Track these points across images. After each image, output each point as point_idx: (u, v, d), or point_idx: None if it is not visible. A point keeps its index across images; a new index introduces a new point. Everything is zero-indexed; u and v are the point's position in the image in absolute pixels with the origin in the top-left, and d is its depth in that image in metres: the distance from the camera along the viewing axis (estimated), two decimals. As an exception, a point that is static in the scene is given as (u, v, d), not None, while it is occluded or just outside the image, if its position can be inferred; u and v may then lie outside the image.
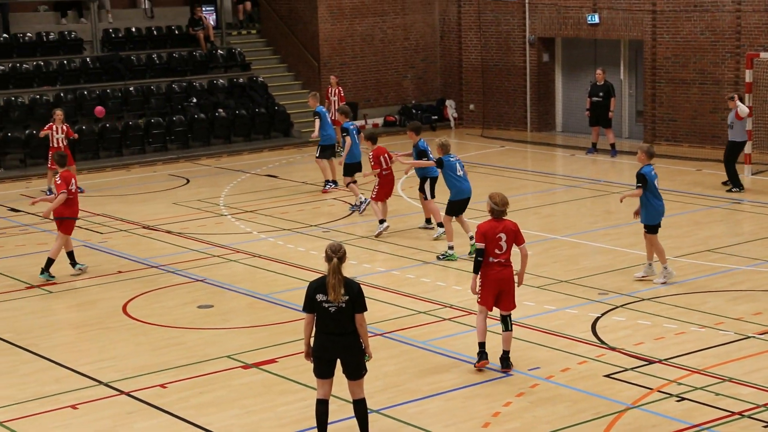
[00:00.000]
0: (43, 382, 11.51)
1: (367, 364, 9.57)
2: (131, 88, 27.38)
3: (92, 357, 12.29)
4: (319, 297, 9.24)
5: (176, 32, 29.85)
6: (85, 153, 25.50)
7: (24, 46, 27.50)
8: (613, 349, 11.90)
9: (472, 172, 22.82)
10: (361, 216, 19.00)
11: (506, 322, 11.37)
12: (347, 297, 9.22)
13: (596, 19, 26.79)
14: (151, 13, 30.53)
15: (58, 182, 15.28)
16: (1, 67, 26.48)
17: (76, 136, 22.06)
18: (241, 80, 29.04)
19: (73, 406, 10.81)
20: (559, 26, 27.90)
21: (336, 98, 26.01)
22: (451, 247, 16.00)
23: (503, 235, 11.11)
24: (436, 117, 30.44)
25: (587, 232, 17.61)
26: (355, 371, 9.45)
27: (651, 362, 11.45)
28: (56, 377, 11.67)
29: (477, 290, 11.29)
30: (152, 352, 12.39)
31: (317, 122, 21.17)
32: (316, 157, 21.56)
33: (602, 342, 12.17)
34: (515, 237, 11.19)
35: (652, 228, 14.25)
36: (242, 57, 29.85)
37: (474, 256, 11.48)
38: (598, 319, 13.02)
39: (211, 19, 30.80)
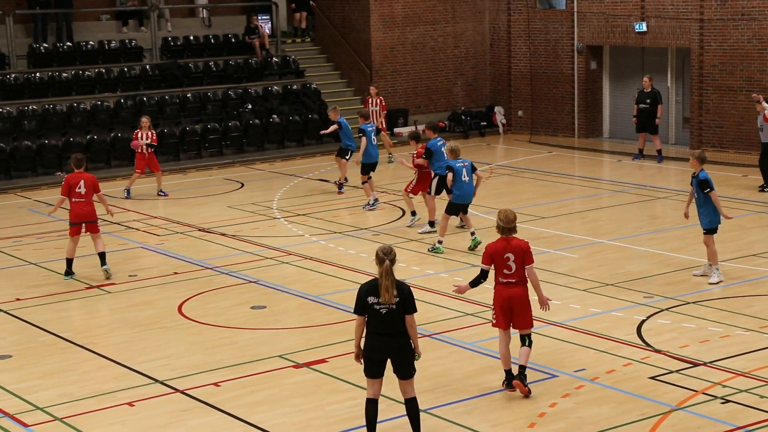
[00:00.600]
0: (101, 380, 11.77)
1: (416, 364, 9.73)
2: (188, 95, 27.91)
3: (148, 356, 12.55)
4: (371, 299, 9.41)
5: (233, 40, 30.36)
6: (144, 157, 26.07)
7: (86, 53, 28.15)
8: (658, 351, 12.02)
9: (519, 177, 23.11)
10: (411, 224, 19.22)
11: (523, 339, 11.01)
12: (398, 298, 9.37)
13: (644, 27, 26.84)
14: (209, 22, 31.09)
15: (62, 184, 16.01)
16: (65, 74, 27.15)
17: (156, 142, 22.76)
18: (294, 87, 29.48)
19: (130, 404, 11.03)
20: (607, 34, 27.99)
21: (378, 108, 26.28)
22: (440, 242, 16.95)
23: (511, 255, 10.75)
24: (485, 123, 30.64)
25: (633, 236, 17.71)
26: (406, 371, 9.61)
27: (696, 365, 11.55)
28: (114, 375, 11.92)
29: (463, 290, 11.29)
30: (206, 352, 12.64)
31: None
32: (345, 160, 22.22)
33: (647, 344, 12.30)
34: (524, 256, 10.74)
35: (711, 231, 14.67)
36: (296, 64, 30.29)
37: (470, 249, 11.78)
38: (643, 321, 13.14)
39: (267, 28, 31.26)
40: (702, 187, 14.43)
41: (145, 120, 22.49)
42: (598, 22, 28.06)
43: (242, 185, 23.74)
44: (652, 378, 11.26)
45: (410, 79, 30.11)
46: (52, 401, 11.21)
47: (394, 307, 9.37)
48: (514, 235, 10.84)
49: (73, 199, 15.78)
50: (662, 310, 13.58)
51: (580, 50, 28.66)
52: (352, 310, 9.65)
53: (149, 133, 22.29)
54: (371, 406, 9.66)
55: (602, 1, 27.90)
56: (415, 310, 9.52)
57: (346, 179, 22.58)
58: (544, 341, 12.60)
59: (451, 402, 10.83)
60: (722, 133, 25.73)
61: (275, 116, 28.08)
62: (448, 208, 16.98)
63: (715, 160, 24.38)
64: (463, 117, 30.42)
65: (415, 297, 9.57)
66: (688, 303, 13.81)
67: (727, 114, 25.54)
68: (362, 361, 9.67)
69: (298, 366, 12.02)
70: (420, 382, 11.32)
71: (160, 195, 22.49)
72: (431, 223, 18.20)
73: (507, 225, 10.80)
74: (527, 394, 10.81)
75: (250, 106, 28.31)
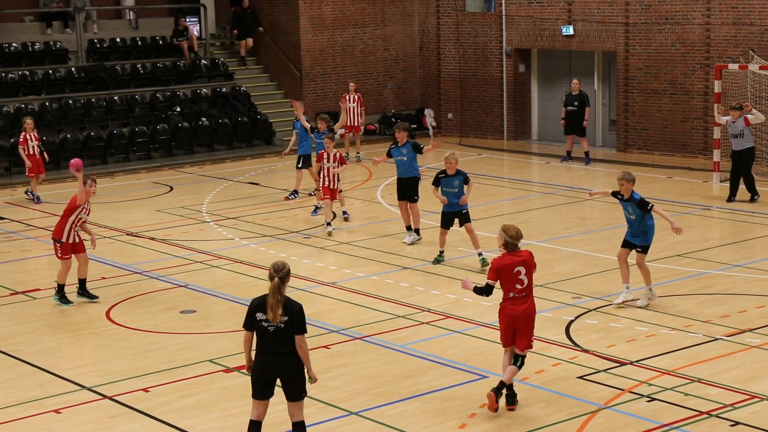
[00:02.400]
0: (26, 387, 11.60)
1: (325, 373, 9.34)
2: (116, 98, 27.56)
3: (75, 362, 12.42)
4: (259, 315, 9.02)
5: (160, 42, 30.05)
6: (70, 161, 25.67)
7: (9, 56, 27.63)
8: (586, 351, 12.18)
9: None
10: (346, 222, 19.25)
11: (516, 359, 10.75)
12: (287, 317, 8.96)
13: (571, 31, 27.18)
14: (136, 24, 30.72)
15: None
16: (-13, 77, 26.69)
17: (40, 142, 22.38)
18: (224, 90, 29.28)
19: (57, 411, 10.89)
20: (534, 38, 28.29)
21: (356, 104, 26.29)
22: (441, 252, 16.40)
23: (522, 269, 10.55)
24: (415, 126, 30.71)
25: (561, 237, 17.94)
26: (294, 393, 9.18)
27: (623, 364, 11.73)
28: (39, 382, 11.76)
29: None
30: (135, 357, 12.53)
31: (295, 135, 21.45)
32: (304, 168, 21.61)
33: (576, 344, 12.47)
34: (532, 264, 10.68)
35: (647, 248, 13.79)
36: (225, 67, 30.11)
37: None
38: (571, 322, 13.31)
39: (195, 30, 31.03)
40: (644, 208, 13.53)
41: (29, 121, 22.16)
42: (526, 26, 28.36)
43: (171, 189, 23.54)
44: (581, 377, 11.41)
45: (340, 81, 30.08)
46: (-23, 410, 11.02)
47: (283, 325, 8.97)
48: (520, 249, 10.63)
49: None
50: (590, 311, 13.77)
51: (509, 53, 28.93)
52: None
53: (34, 134, 22.07)
54: (254, 428, 9.29)
55: (530, 5, 28.19)
56: (305, 331, 9.05)
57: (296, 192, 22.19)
58: (474, 342, 12.71)
59: (382, 404, 10.87)
60: (647, 136, 26.16)
61: (204, 119, 27.88)
62: (442, 221, 16.18)
63: (641, 162, 24.82)
64: (393, 119, 30.47)
65: (306, 317, 9.10)
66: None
67: (652, 116, 25.97)
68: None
69: (228, 370, 11.97)
70: (351, 384, 11.39)
71: (28, 195, 22.18)
72: (417, 231, 17.65)
73: (517, 241, 10.56)
74: (496, 410, 10.48)
75: (178, 109, 28.06)
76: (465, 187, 15.91)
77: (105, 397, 11.28)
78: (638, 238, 13.71)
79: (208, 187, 23.61)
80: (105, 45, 29.25)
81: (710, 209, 19.92)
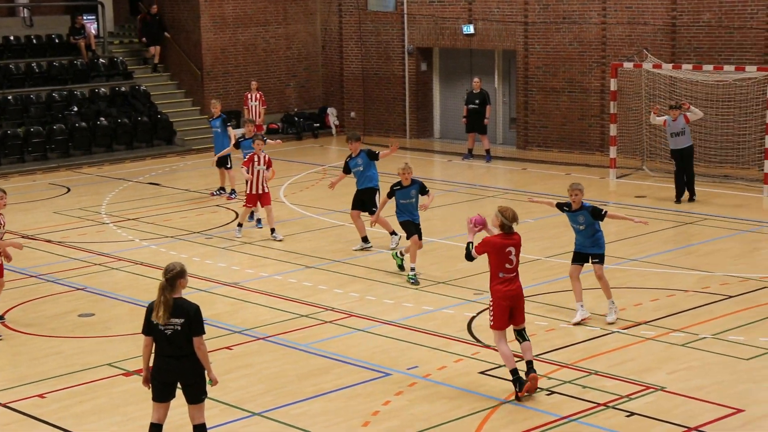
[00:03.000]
0: None
1: (227, 374, 9.30)
2: (9, 97, 26.94)
3: (-31, 369, 12.11)
4: (155, 319, 8.98)
5: (56, 41, 29.47)
6: (-39, 163, 25.10)
7: None
8: (487, 347, 12.29)
9: (353, 178, 23.22)
10: (248, 222, 19.11)
11: (522, 334, 11.00)
12: (183, 319, 8.87)
13: (471, 29, 27.45)
14: (30, 22, 30.06)
15: None
16: None
17: None
18: (123, 89, 28.85)
19: (-53, 421, 10.65)
20: (436, 37, 28.51)
21: (257, 103, 26.18)
22: (413, 269, 15.25)
23: (513, 249, 10.82)
24: (318, 124, 30.76)
25: (463, 234, 17.92)
26: (194, 395, 9.10)
27: (523, 358, 11.90)
28: (-72, 391, 11.45)
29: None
30: (30, 362, 12.29)
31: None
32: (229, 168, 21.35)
33: (477, 340, 12.60)
34: (520, 247, 10.93)
35: (603, 257, 13.18)
36: (124, 66, 29.66)
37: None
38: (473, 318, 13.45)
39: (93, 28, 30.49)
40: (597, 216, 12.88)
41: None
42: (428, 25, 28.55)
43: (69, 190, 23.11)
44: (482, 373, 11.54)
45: (242, 80, 29.87)
46: None
47: (179, 328, 8.87)
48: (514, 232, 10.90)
49: None
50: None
51: (411, 52, 29.09)
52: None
53: None
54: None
55: (431, 4, 28.39)
56: (203, 332, 8.95)
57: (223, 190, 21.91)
58: (377, 340, 12.76)
59: (285, 404, 10.84)
60: (547, 133, 26.57)
61: (103, 119, 27.42)
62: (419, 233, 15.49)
63: (540, 159, 25.23)
64: (296, 118, 30.45)
65: (203, 318, 9.02)
66: (516, 298, 14.17)
67: (551, 114, 26.39)
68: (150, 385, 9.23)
69: (128, 374, 11.82)
70: (254, 384, 11.33)
71: None
72: (393, 233, 17.02)
73: (513, 222, 10.82)
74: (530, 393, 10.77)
75: (75, 109, 27.54)
76: (425, 196, 15.39)
77: (-1, 404, 11.04)
78: (592, 248, 13.00)
79: (107, 187, 23.25)
80: (-2, 43, 28.58)
81: (607, 204, 20.29)
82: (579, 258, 13.17)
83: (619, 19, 24.76)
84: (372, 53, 29.97)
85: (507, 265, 10.84)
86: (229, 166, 21.23)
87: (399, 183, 15.46)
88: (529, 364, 10.94)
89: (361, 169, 17.08)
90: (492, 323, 10.91)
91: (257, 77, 29.74)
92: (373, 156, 17.14)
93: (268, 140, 19.16)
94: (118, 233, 18.81)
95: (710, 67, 21.97)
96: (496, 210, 10.90)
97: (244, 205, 18.37)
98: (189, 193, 22.12)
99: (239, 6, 29.81)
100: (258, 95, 26.37)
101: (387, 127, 29.94)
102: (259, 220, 18.81)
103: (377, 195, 17.03)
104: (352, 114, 30.75)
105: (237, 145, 20.06)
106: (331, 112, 30.94)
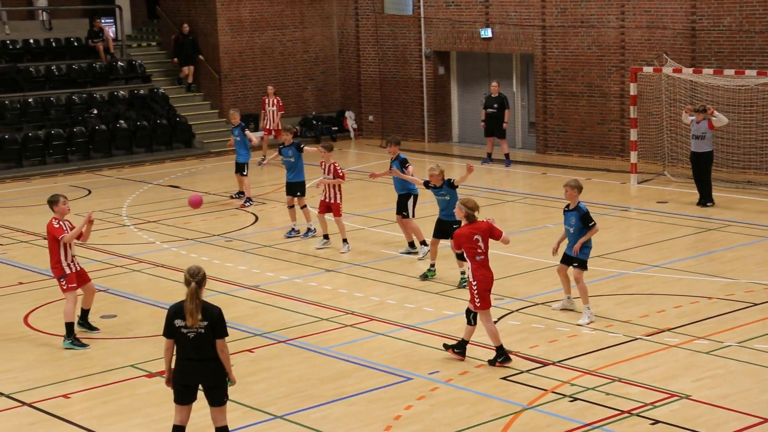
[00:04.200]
0: (-59, 395, 11.35)
1: (248, 377, 9.38)
2: (30, 100, 27.07)
3: (-7, 369, 12.15)
4: (178, 322, 8.99)
5: (75, 44, 29.61)
6: (-14, 164, 25.26)
7: None
8: (509, 352, 12.29)
9: (371, 182, 23.27)
10: (261, 226, 19.18)
11: (476, 318, 11.99)
12: (206, 322, 8.94)
13: (489, 33, 27.43)
14: (50, 25, 30.21)
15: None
16: None
17: None
18: (141, 92, 28.94)
19: (-26, 419, 10.70)
20: (453, 40, 28.49)
21: (275, 108, 26.21)
22: (432, 266, 15.63)
23: (479, 237, 11.82)
24: (336, 128, 30.79)
25: (483, 240, 18.00)
26: (216, 398, 9.18)
27: (545, 364, 11.85)
28: (-44, 390, 11.51)
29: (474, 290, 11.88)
30: (54, 363, 12.35)
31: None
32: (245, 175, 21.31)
33: (499, 345, 12.60)
34: (491, 233, 11.90)
35: (585, 264, 13.45)
36: (143, 69, 29.75)
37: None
38: (494, 323, 13.40)
39: (111, 31, 30.60)
40: (586, 221, 13.32)
41: None
42: (445, 28, 28.54)
43: (89, 192, 23.19)
44: (504, 378, 11.50)
45: (260, 84, 29.94)
46: None
47: (203, 331, 8.95)
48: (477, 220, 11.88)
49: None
50: (512, 312, 13.90)
51: (428, 56, 29.08)
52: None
53: None
54: None
55: (448, 8, 28.38)
56: (226, 335, 9.05)
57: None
58: (398, 344, 12.75)
59: (306, 407, 10.84)
60: (566, 137, 26.52)
61: (122, 121, 27.51)
62: (436, 230, 15.49)
63: (560, 164, 25.17)
64: (314, 122, 30.48)
65: (227, 321, 9.13)
66: (537, 304, 14.17)
67: (570, 118, 26.33)
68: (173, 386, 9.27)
69: (151, 375, 11.85)
70: (275, 387, 11.35)
71: None
72: (423, 242, 16.62)
73: (475, 211, 11.90)
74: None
75: (95, 111, 27.65)
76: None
77: (24, 404, 11.10)
78: (576, 253, 13.28)
79: (127, 190, 23.31)
80: (18, 46, 28.70)
81: (629, 210, 20.26)
82: (565, 259, 13.59)
83: (638, 23, 24.69)
84: (389, 57, 29.98)
85: (478, 251, 11.81)
86: (245, 173, 21.29)
87: (427, 182, 15.46)
88: (463, 343, 12.04)
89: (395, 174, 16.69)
90: (479, 304, 11.80)
91: (274, 80, 29.81)
92: (404, 164, 16.56)
93: (251, 136, 19.44)
94: (139, 235, 18.86)
95: (731, 72, 21.86)
96: (458, 203, 12.05)
97: (318, 213, 17.63)
98: (209, 196, 22.14)
99: (256, 9, 29.86)
100: (275, 100, 26.39)
101: (405, 130, 29.92)
102: (308, 230, 18.30)
103: (411, 200, 16.76)
104: (371, 117, 30.75)
105: (280, 152, 19.58)
106: (349, 115, 30.96)
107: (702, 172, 20.10)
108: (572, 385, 11.23)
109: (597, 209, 20.14)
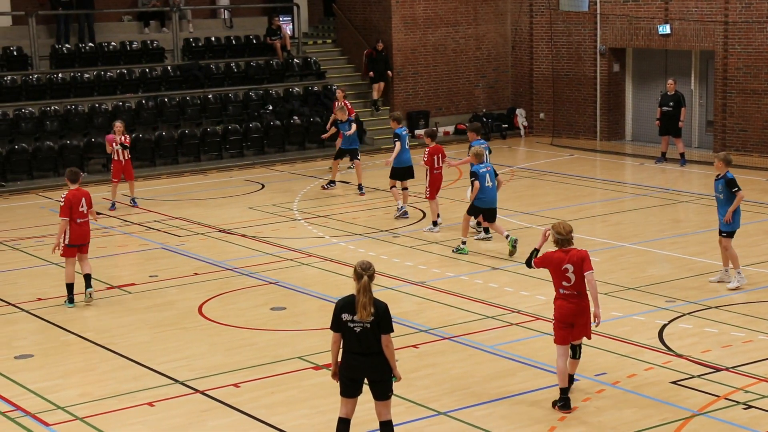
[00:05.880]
0: (121, 380, 11.81)
1: (413, 373, 9.44)
2: (209, 96, 27.98)
3: (168, 356, 12.59)
4: (345, 316, 9.03)
5: (254, 41, 30.42)
6: (165, 158, 26.21)
7: (108, 54, 28.25)
8: (679, 356, 11.96)
9: (541, 180, 23.07)
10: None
11: (575, 349, 10.89)
12: (372, 317, 8.99)
13: (667, 29, 26.70)
14: (230, 23, 31.17)
15: (62, 205, 14.45)
16: (87, 75, 27.22)
17: (129, 144, 21.49)
18: (315, 88, 29.51)
19: (150, 404, 11.08)
20: (630, 37, 27.87)
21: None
22: (464, 242, 17.02)
23: (570, 266, 10.48)
24: (506, 125, 30.59)
25: (655, 240, 17.62)
26: (381, 392, 9.22)
27: (718, 370, 11.50)
28: (134, 375, 11.97)
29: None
30: (226, 352, 12.68)
31: (397, 145, 19.94)
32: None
33: (669, 349, 12.25)
34: (583, 264, 10.43)
35: (732, 233, 14.51)
36: (317, 66, 30.32)
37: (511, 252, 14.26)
38: (665, 326, 13.07)
39: (288, 29, 31.31)
40: (730, 186, 14.38)
41: (118, 125, 21.21)
42: (621, 25, 27.96)
43: (263, 186, 23.78)
44: (674, 383, 11.21)
45: (431, 81, 30.08)
46: (73, 401, 11.26)
47: (369, 326, 9.00)
48: (572, 246, 10.59)
49: (77, 220, 14.47)
50: (684, 315, 13.51)
51: (603, 52, 28.56)
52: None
53: (123, 138, 21.07)
54: (342, 426, 9.36)
55: (625, 3, 27.79)
56: (391, 330, 9.07)
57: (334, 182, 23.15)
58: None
59: (470, 405, 10.82)
60: (746, 137, 25.57)
61: (296, 117, 28.11)
62: (469, 209, 17.00)
63: (739, 164, 24.18)
64: (485, 119, 30.36)
65: (392, 316, 9.14)
66: (711, 308, 13.74)
67: (751, 117, 25.38)
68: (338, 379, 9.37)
69: (317, 368, 12.03)
70: (440, 384, 11.36)
71: (132, 205, 21.50)
72: (478, 223, 18.02)
73: (566, 236, 10.53)
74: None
75: (271, 108, 28.35)
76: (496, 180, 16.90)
77: (197, 391, 11.42)
78: (725, 225, 14.45)
79: (298, 185, 23.79)
80: (200, 44, 29.71)
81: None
82: (720, 232, 14.58)
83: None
84: (563, 54, 29.58)
85: (564, 283, 10.55)
86: (357, 157, 22.53)
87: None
88: (569, 378, 10.80)
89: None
90: (554, 338, 10.80)
91: (446, 77, 29.86)
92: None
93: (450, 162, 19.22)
94: (309, 230, 19.21)
95: None
96: (550, 227, 10.67)
97: (428, 198, 18.66)
98: (377, 192, 22.36)
99: (430, 7, 29.98)
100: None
101: (577, 128, 29.50)
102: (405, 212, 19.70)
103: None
104: (542, 115, 30.44)
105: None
106: (520, 113, 30.72)
107: None
108: (746, 392, 10.85)
109: (777, 211, 19.40)
